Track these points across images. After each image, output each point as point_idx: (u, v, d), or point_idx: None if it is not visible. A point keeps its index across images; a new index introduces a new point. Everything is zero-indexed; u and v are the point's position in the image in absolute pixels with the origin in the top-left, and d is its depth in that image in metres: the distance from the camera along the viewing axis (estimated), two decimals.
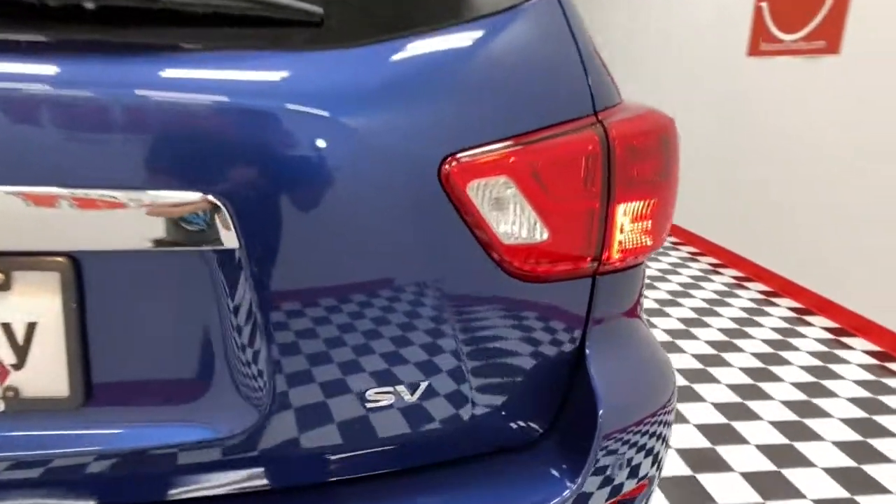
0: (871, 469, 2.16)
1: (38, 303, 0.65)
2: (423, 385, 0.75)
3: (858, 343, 3.20)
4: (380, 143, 0.67)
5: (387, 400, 0.75)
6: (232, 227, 0.63)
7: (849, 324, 3.37)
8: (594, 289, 0.84)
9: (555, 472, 0.81)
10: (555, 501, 0.77)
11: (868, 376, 2.85)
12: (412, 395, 0.75)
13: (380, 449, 0.78)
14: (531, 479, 0.81)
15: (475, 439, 0.83)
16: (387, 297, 0.71)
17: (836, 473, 2.13)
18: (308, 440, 0.74)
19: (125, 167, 0.61)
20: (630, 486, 0.85)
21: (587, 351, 0.85)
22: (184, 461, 0.71)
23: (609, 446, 0.81)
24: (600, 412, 0.80)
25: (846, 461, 2.20)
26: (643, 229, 0.85)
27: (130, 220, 0.61)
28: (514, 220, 0.74)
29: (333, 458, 0.76)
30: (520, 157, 0.73)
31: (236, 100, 0.63)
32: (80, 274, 0.65)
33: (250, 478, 0.74)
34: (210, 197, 0.62)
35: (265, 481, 0.75)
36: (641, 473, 0.87)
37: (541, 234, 0.76)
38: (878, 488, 2.05)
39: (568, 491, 0.78)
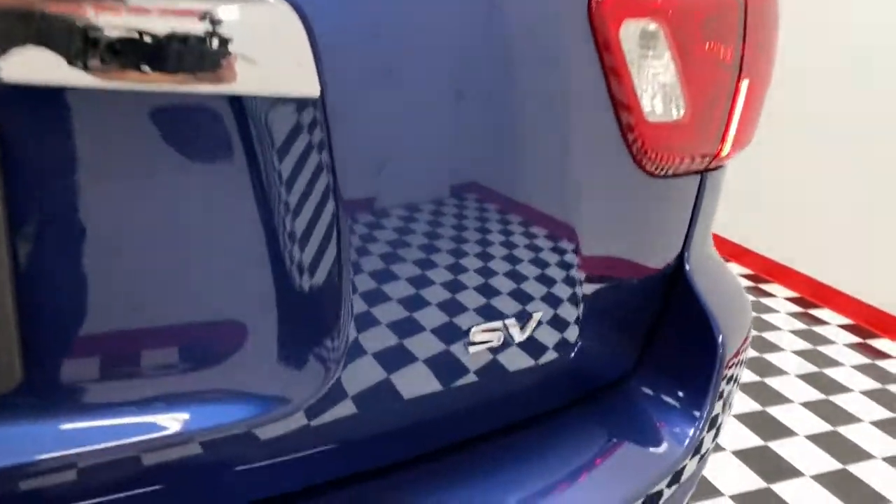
0: (772, 382, 2.30)
1: None
2: (536, 316, 0.56)
3: (734, 268, 3.44)
4: None
5: (494, 340, 0.54)
6: (311, 61, 0.37)
7: (724, 252, 3.60)
8: (700, 189, 0.68)
9: (674, 404, 0.66)
10: (689, 437, 0.62)
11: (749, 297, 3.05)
12: (521, 331, 0.55)
13: (478, 407, 0.57)
14: (649, 414, 0.65)
15: (574, 381, 0.65)
16: (502, 191, 0.50)
17: (745, 388, 2.24)
18: (395, 406, 0.51)
19: None
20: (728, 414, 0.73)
21: (687, 266, 0.69)
22: (206, 457, 0.46)
23: (726, 373, 0.67)
24: (719, 336, 0.66)
25: (752, 377, 2.33)
26: (749, 116, 0.70)
27: (108, 26, 0.33)
28: (656, 87, 0.55)
29: (424, 425, 0.54)
30: None
31: None
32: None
33: (312, 470, 0.50)
34: (282, 4, 0.36)
35: (333, 471, 0.51)
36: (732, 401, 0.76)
37: (677, 109, 0.58)
38: (781, 399, 2.19)
39: (694, 428, 0.64)
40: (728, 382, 0.68)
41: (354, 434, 0.51)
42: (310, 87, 0.38)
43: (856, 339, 2.67)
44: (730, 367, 0.68)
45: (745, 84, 0.64)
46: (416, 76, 0.43)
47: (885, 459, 1.90)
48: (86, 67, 0.33)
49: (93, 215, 0.37)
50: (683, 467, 0.63)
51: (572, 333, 0.60)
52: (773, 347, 2.55)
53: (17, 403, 0.39)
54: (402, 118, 0.43)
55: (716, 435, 0.70)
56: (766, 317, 2.84)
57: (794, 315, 2.87)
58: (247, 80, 0.35)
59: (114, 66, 0.33)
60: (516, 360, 0.56)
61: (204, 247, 0.41)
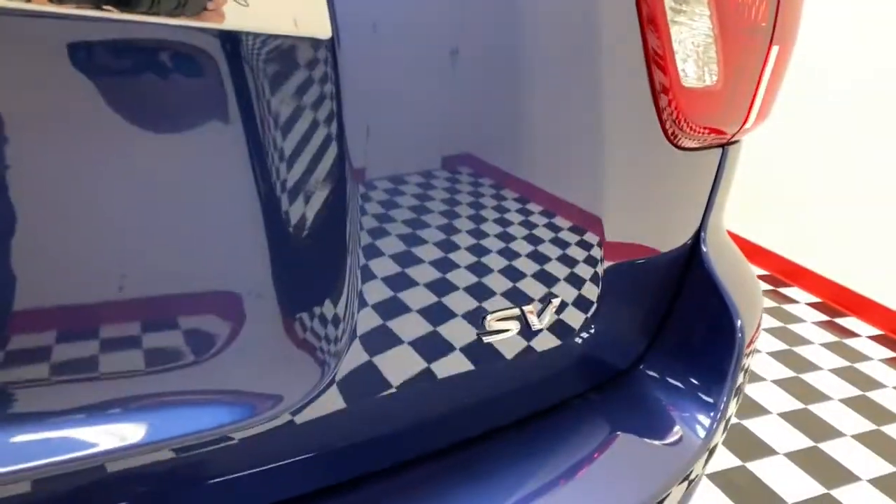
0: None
1: None
2: (555, 301, 0.50)
3: None
4: None
5: (511, 328, 0.48)
6: None
7: None
8: (721, 163, 0.63)
9: (690, 396, 0.62)
10: (706, 431, 0.58)
11: None
12: (540, 318, 0.50)
13: (489, 402, 0.52)
14: (662, 407, 0.61)
15: (586, 371, 0.60)
16: (521, 161, 0.44)
17: None
18: (400, 402, 0.45)
19: None
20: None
21: (703, 248, 0.65)
22: (188, 466, 0.39)
23: (744, 361, 0.64)
24: (738, 321, 0.62)
25: None
26: (775, 86, 0.65)
27: None
28: (690, 48, 0.50)
29: (428, 423, 0.49)
30: None
31: None
32: None
33: (310, 473, 0.44)
34: None
35: (337, 474, 0.45)
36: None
37: (710, 75, 0.53)
38: (754, 377, 2.21)
39: (711, 416, 0.60)
40: (741, 371, 0.64)
41: (356, 434, 0.45)
42: (320, 28, 0.31)
43: (824, 318, 2.70)
44: (746, 356, 0.64)
45: (775, 50, 0.59)
46: (438, 24, 0.36)
47: (854, 437, 1.93)
48: None
49: (47, 179, 0.30)
50: (695, 466, 0.59)
51: (589, 319, 0.55)
52: None
53: None
54: (421, 71, 0.37)
55: (725, 428, 0.66)
56: None
57: (764, 293, 2.89)
58: (243, 16, 0.29)
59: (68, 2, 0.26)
60: (532, 350, 0.51)
61: (184, 216, 0.34)
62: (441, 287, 0.43)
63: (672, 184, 0.57)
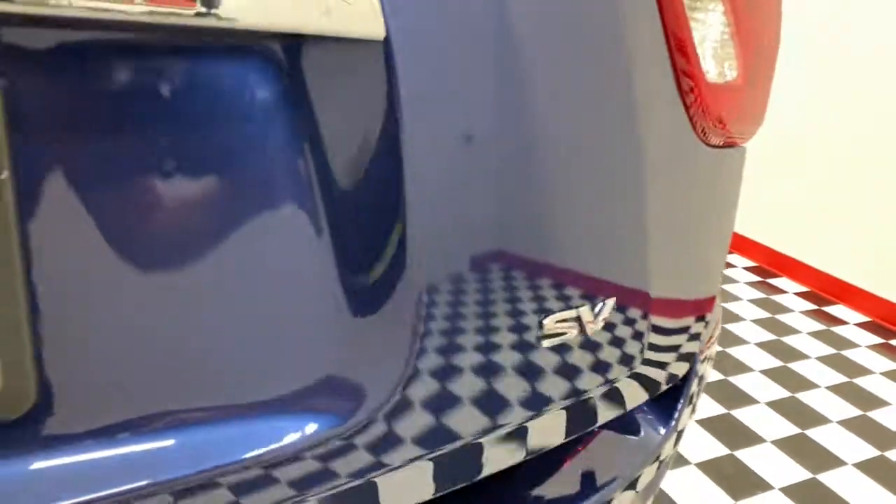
0: (733, 351, 2.36)
1: None
2: (609, 302, 0.50)
3: None
4: None
5: (568, 331, 0.48)
6: None
7: None
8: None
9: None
10: (674, 417, 0.60)
11: None
12: (594, 319, 0.50)
13: (548, 416, 0.51)
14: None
15: (642, 382, 0.60)
16: (572, 164, 0.45)
17: None
18: (459, 418, 0.45)
19: None
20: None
21: None
22: (244, 489, 0.39)
23: (703, 354, 0.66)
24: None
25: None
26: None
27: None
28: (711, 45, 0.51)
29: (490, 443, 0.48)
30: None
31: None
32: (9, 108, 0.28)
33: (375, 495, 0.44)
34: None
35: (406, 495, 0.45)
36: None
37: (730, 70, 0.53)
38: (743, 368, 2.25)
39: (674, 411, 0.62)
40: (705, 362, 0.66)
41: (401, 457, 0.44)
42: (373, 27, 0.31)
43: (812, 307, 2.75)
44: (706, 350, 0.66)
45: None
46: (488, 16, 0.36)
47: (840, 423, 1.97)
48: None
49: (113, 221, 0.30)
50: (662, 451, 0.61)
51: (645, 326, 0.55)
52: (734, 318, 2.61)
53: (29, 434, 0.31)
54: (479, 68, 0.36)
55: (693, 410, 0.68)
56: (725, 287, 2.90)
57: (753, 284, 2.93)
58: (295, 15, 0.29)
59: None
60: (587, 358, 0.51)
61: (237, 253, 0.34)
62: (501, 291, 0.43)
63: (705, 183, 0.58)
